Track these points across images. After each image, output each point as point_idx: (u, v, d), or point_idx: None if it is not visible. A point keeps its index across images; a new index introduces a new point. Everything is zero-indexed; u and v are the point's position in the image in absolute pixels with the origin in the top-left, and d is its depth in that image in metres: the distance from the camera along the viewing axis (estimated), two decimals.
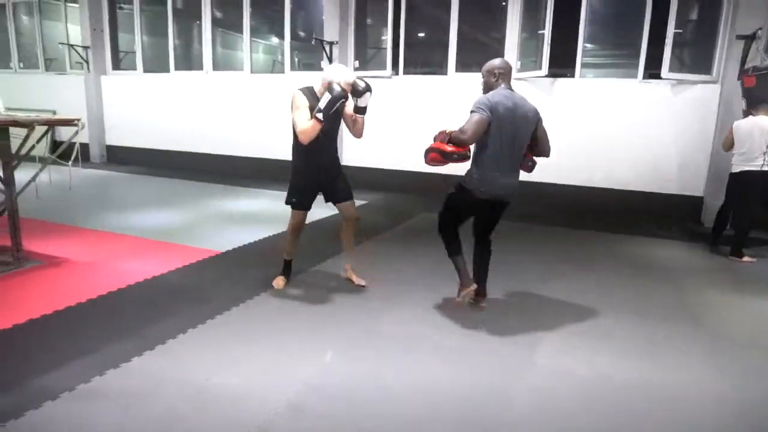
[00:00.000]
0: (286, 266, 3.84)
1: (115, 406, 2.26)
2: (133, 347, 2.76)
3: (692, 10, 6.88)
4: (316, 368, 2.66)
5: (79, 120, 4.00)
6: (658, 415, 2.37)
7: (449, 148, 3.12)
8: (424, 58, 8.48)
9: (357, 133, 3.59)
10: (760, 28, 5.71)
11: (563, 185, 7.19)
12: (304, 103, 3.31)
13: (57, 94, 10.50)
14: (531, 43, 7.42)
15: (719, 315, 3.62)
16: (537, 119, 3.29)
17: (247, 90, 9.03)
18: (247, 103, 9.04)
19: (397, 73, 8.10)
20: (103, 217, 5.77)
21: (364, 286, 3.82)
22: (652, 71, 6.65)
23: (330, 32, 8.04)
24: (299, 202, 3.59)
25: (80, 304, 3.32)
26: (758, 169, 4.74)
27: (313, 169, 3.55)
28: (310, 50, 9.09)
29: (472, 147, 3.21)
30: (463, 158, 3.16)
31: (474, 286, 3.35)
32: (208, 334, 2.99)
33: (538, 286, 4.00)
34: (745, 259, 4.87)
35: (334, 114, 3.31)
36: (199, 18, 9.22)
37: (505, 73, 3.24)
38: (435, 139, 3.32)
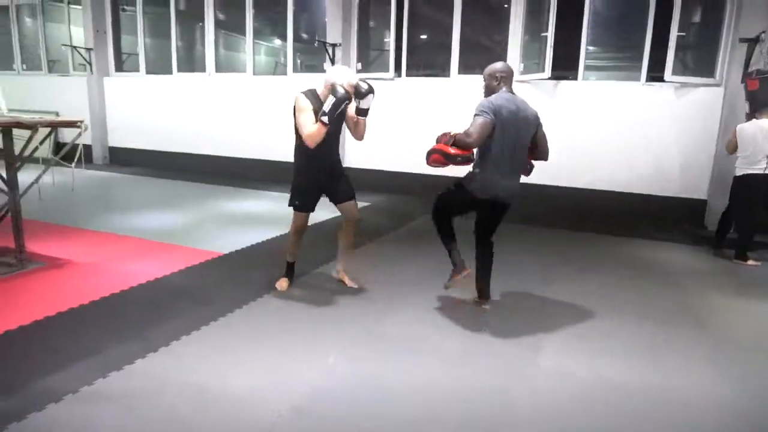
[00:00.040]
0: (289, 268, 3.84)
1: (118, 408, 2.26)
2: (136, 349, 2.76)
3: (695, 13, 6.87)
4: (319, 370, 2.65)
5: (82, 122, 4.01)
6: (659, 417, 2.36)
7: (453, 150, 3.13)
8: (426, 60, 8.48)
9: (358, 135, 3.59)
10: (763, 31, 5.70)
11: (566, 188, 7.18)
12: (308, 106, 3.31)
13: (60, 95, 10.52)
14: (533, 45, 7.42)
15: (723, 318, 3.60)
16: (537, 123, 3.33)
17: (250, 92, 9.04)
18: (250, 105, 9.05)
19: (399, 75, 8.11)
20: (106, 218, 5.77)
21: (356, 288, 3.80)
22: (655, 74, 6.63)
23: (333, 34, 8.05)
24: (302, 204, 3.59)
25: (83, 306, 3.32)
26: (761, 172, 4.74)
27: (315, 171, 3.54)
28: (312, 52, 9.11)
29: (474, 150, 3.21)
30: (466, 161, 3.18)
31: (467, 272, 3.37)
32: (211, 336, 2.98)
33: (540, 288, 3.99)
34: (750, 262, 4.86)
35: (338, 116, 3.31)
36: (202, 20, 9.23)
37: (506, 77, 3.26)
38: (438, 141, 3.32)
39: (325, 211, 3.83)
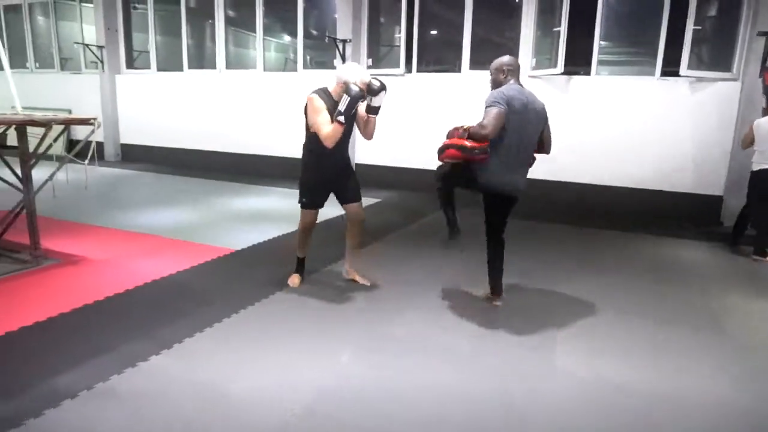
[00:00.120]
0: (300, 264, 3.83)
1: (133, 405, 2.26)
2: (151, 346, 2.77)
3: (712, 6, 6.76)
4: (329, 370, 2.64)
5: (95, 119, 4.02)
6: (671, 421, 2.32)
7: (469, 143, 3.09)
8: (437, 56, 8.43)
9: (368, 134, 3.56)
10: None
11: (579, 184, 7.11)
12: (322, 106, 3.28)
13: (72, 93, 10.61)
14: (545, 40, 7.34)
15: (740, 318, 3.54)
16: (545, 116, 3.31)
17: (260, 88, 9.05)
18: (260, 102, 9.05)
19: (410, 71, 8.07)
20: (119, 215, 5.80)
21: (367, 286, 3.79)
22: (670, 69, 6.54)
23: (343, 30, 8.02)
24: (311, 201, 3.58)
25: (97, 302, 3.34)
26: None
27: (326, 169, 3.53)
28: (322, 48, 9.09)
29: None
30: (484, 153, 3.10)
31: (458, 234, 3.41)
32: (224, 334, 2.99)
33: (551, 287, 3.94)
34: None
35: (350, 115, 3.28)
36: (212, 17, 9.25)
37: (514, 70, 3.24)
38: (449, 135, 3.28)
39: (335, 208, 3.81)
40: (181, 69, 9.75)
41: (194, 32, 9.93)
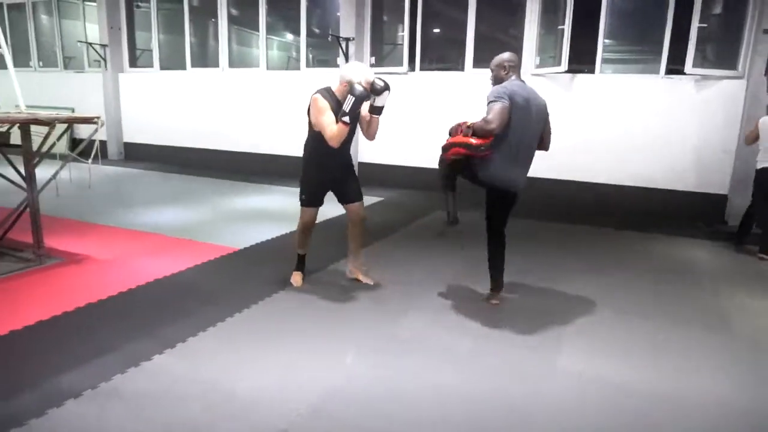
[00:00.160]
0: (300, 261, 3.81)
1: (137, 405, 2.26)
2: (154, 345, 2.76)
3: (717, 4, 6.72)
4: (335, 370, 2.63)
5: (98, 118, 4.02)
6: (671, 421, 2.30)
7: (475, 140, 3.06)
8: (440, 55, 8.41)
9: (371, 134, 3.54)
10: None
11: (583, 182, 7.08)
12: (326, 105, 3.26)
13: (75, 92, 10.62)
14: (549, 38, 7.31)
15: (746, 317, 3.51)
16: (546, 112, 3.31)
17: (263, 87, 9.04)
18: (264, 100, 9.05)
19: (413, 69, 8.05)
20: (122, 214, 5.80)
21: (370, 286, 3.77)
22: (674, 67, 6.50)
23: (346, 28, 8.00)
24: (311, 199, 3.56)
25: (101, 302, 3.34)
26: None
27: (328, 169, 3.51)
28: (324, 47, 9.07)
29: None
30: (490, 149, 3.08)
31: (456, 224, 3.40)
32: (227, 333, 2.98)
33: (553, 286, 3.92)
34: None
35: (354, 115, 3.26)
36: (215, 15, 9.24)
37: (514, 66, 3.24)
38: (451, 133, 3.26)
39: (337, 207, 3.80)
40: (184, 67, 9.75)
41: (197, 31, 9.92)
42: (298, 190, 3.62)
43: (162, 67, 10.03)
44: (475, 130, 3.07)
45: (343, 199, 3.65)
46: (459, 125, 3.20)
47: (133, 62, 10.43)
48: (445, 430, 2.18)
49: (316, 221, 3.72)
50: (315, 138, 3.40)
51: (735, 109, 6.24)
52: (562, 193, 7.08)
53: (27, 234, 4.08)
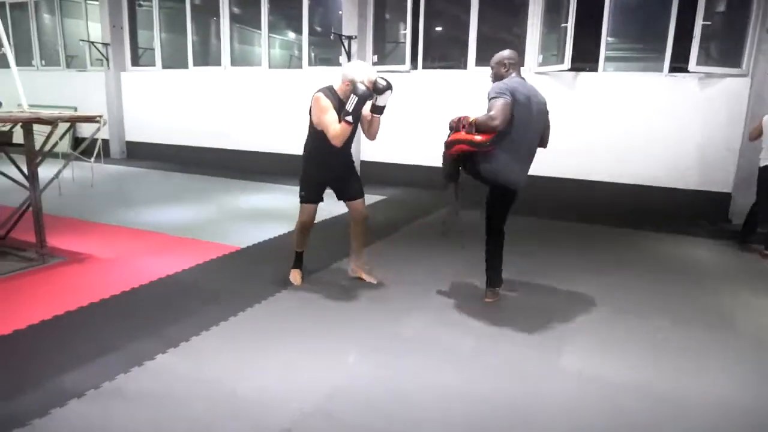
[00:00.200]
0: (299, 258, 3.79)
1: (140, 404, 2.25)
2: (157, 345, 2.76)
3: (721, 1, 6.68)
4: (337, 370, 2.63)
5: (101, 117, 4.02)
6: (671, 420, 2.29)
7: (479, 137, 3.04)
8: (442, 53, 8.38)
9: (372, 134, 3.51)
10: None
11: (586, 181, 7.06)
12: (329, 104, 3.25)
13: (78, 90, 10.62)
14: (551, 36, 7.28)
15: (749, 315, 3.49)
16: (547, 110, 3.30)
17: (265, 85, 9.03)
18: (266, 99, 9.04)
19: (415, 68, 8.03)
20: (124, 213, 5.81)
21: (374, 284, 3.77)
22: (678, 65, 6.47)
23: (348, 27, 7.98)
24: (312, 196, 3.54)
25: (104, 301, 3.34)
26: None
27: (329, 168, 3.50)
28: (326, 45, 9.05)
29: None
30: (494, 145, 3.06)
31: (457, 216, 3.37)
32: (230, 332, 2.98)
33: (556, 284, 3.91)
34: None
35: (357, 114, 3.25)
36: (217, 14, 9.23)
37: (515, 63, 3.23)
38: (452, 128, 3.23)
39: (340, 206, 3.79)
40: (186, 66, 9.74)
41: (199, 29, 9.91)
42: (299, 188, 3.61)
43: (164, 66, 10.03)
44: (478, 126, 3.04)
45: (345, 197, 3.63)
46: (459, 119, 3.17)
47: (136, 61, 10.43)
48: (447, 429, 2.17)
49: (318, 220, 3.71)
50: (316, 137, 3.39)
51: (739, 107, 6.21)
52: (564, 191, 7.06)
53: (30, 233, 4.08)
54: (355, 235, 3.77)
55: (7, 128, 4.21)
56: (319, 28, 9.19)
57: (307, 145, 3.52)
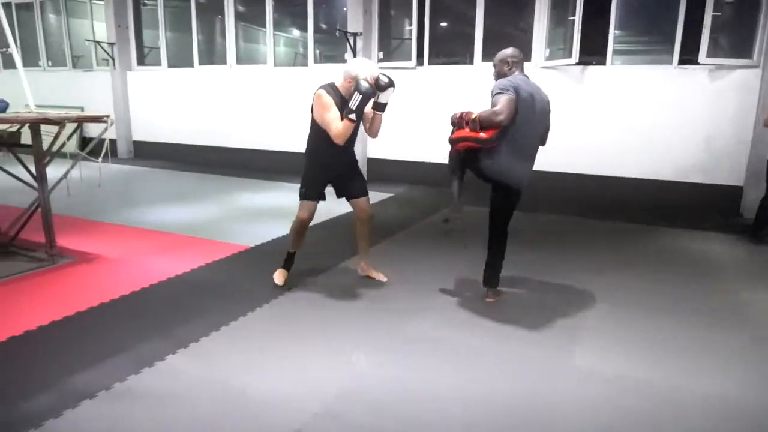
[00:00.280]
0: (289, 259, 3.70)
1: (152, 405, 2.25)
2: (168, 345, 2.76)
3: None
4: (347, 370, 2.61)
5: (108, 117, 4.01)
6: (671, 420, 2.26)
7: (484, 134, 3.01)
8: (448, 48, 8.33)
9: (373, 132, 3.46)
10: None
11: (595, 176, 7.00)
12: (331, 102, 3.21)
13: (84, 90, 10.66)
14: (558, 30, 7.22)
15: (762, 310, 3.44)
16: (549, 108, 3.27)
17: (271, 83, 9.02)
18: (271, 97, 9.02)
19: (421, 64, 7.98)
20: (133, 212, 5.82)
21: (383, 282, 3.75)
22: (687, 57, 6.39)
23: (354, 23, 7.94)
24: (309, 192, 3.48)
25: (113, 301, 3.34)
26: None
27: (332, 166, 3.47)
28: (331, 42, 9.02)
29: None
30: (496, 140, 3.02)
31: (458, 216, 3.31)
32: (240, 333, 2.97)
33: (563, 281, 3.87)
34: None
35: (361, 112, 3.21)
36: (222, 12, 9.22)
37: (518, 61, 3.20)
38: (454, 123, 3.19)
39: (343, 205, 3.76)
40: (191, 65, 9.75)
41: (204, 28, 9.91)
42: (300, 185, 3.57)
43: (170, 65, 10.04)
44: (481, 122, 2.99)
45: (349, 195, 3.59)
46: (461, 115, 3.13)
47: (141, 60, 10.44)
48: (458, 430, 2.15)
49: (320, 220, 3.66)
50: (318, 135, 3.36)
51: (750, 98, 6.13)
52: (572, 186, 7.01)
53: (39, 233, 4.10)
54: (361, 235, 3.74)
55: (14, 129, 4.22)
56: (324, 26, 9.15)
57: (309, 143, 3.49)
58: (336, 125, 3.17)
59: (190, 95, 9.83)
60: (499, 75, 3.21)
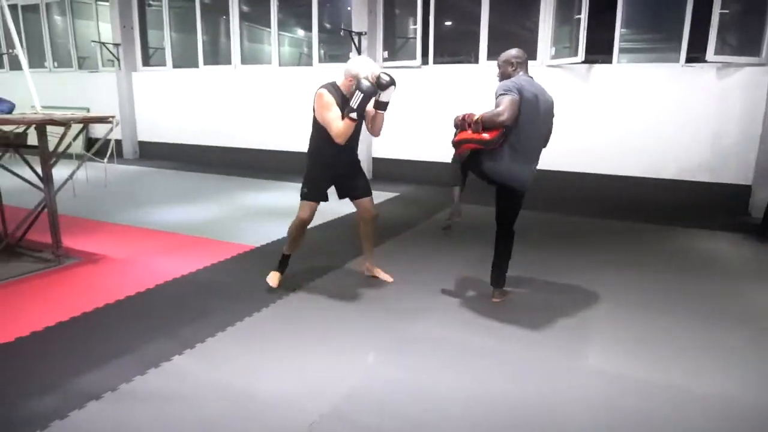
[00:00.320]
0: (284, 261, 3.66)
1: (158, 406, 2.25)
2: (173, 346, 2.75)
3: None
4: (354, 371, 2.60)
5: (113, 117, 4.02)
6: (671, 418, 2.24)
7: (488, 135, 2.99)
8: (453, 47, 8.30)
9: (375, 130, 3.44)
10: None
11: (601, 175, 6.96)
12: (332, 101, 3.20)
13: (90, 91, 10.70)
14: (564, 29, 7.18)
15: None
16: (553, 110, 3.24)
17: (276, 83, 9.02)
18: (276, 97, 9.03)
19: (426, 63, 7.96)
20: (138, 213, 5.83)
21: (390, 282, 3.73)
22: (694, 55, 6.34)
23: (358, 23, 7.94)
24: (311, 193, 3.45)
25: (119, 302, 3.34)
26: None
27: (335, 166, 3.45)
28: (336, 42, 9.02)
29: None
30: (499, 141, 3.00)
31: (457, 220, 3.31)
32: (246, 333, 2.96)
33: (570, 281, 3.84)
34: None
35: (362, 111, 3.20)
36: (227, 13, 9.23)
37: (522, 62, 3.17)
38: (457, 126, 3.17)
39: (348, 205, 3.75)
40: (196, 65, 9.76)
41: (209, 28, 9.93)
42: (301, 185, 3.55)
43: (175, 66, 10.06)
44: (484, 123, 2.97)
45: (352, 195, 3.57)
46: (463, 117, 3.11)
47: (146, 61, 10.47)
48: (465, 430, 2.14)
49: (323, 220, 3.65)
50: (319, 135, 3.34)
51: (758, 96, 6.07)
52: (579, 186, 6.97)
53: (45, 234, 4.11)
54: (365, 235, 3.72)
55: (21, 130, 4.24)
56: (328, 25, 9.15)
57: (312, 143, 3.47)
58: (336, 124, 3.16)
59: (195, 95, 9.85)
60: (503, 76, 3.19)
